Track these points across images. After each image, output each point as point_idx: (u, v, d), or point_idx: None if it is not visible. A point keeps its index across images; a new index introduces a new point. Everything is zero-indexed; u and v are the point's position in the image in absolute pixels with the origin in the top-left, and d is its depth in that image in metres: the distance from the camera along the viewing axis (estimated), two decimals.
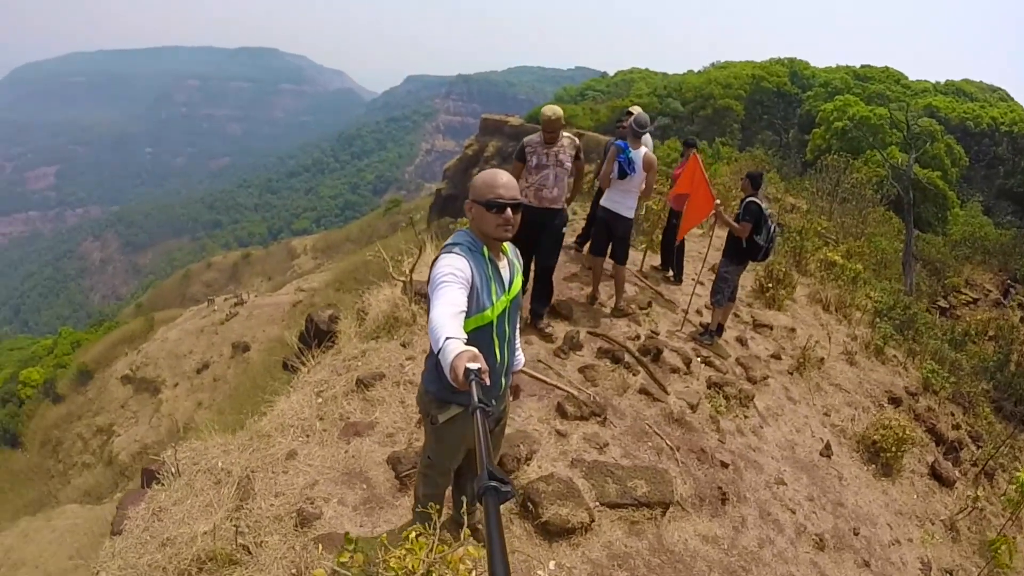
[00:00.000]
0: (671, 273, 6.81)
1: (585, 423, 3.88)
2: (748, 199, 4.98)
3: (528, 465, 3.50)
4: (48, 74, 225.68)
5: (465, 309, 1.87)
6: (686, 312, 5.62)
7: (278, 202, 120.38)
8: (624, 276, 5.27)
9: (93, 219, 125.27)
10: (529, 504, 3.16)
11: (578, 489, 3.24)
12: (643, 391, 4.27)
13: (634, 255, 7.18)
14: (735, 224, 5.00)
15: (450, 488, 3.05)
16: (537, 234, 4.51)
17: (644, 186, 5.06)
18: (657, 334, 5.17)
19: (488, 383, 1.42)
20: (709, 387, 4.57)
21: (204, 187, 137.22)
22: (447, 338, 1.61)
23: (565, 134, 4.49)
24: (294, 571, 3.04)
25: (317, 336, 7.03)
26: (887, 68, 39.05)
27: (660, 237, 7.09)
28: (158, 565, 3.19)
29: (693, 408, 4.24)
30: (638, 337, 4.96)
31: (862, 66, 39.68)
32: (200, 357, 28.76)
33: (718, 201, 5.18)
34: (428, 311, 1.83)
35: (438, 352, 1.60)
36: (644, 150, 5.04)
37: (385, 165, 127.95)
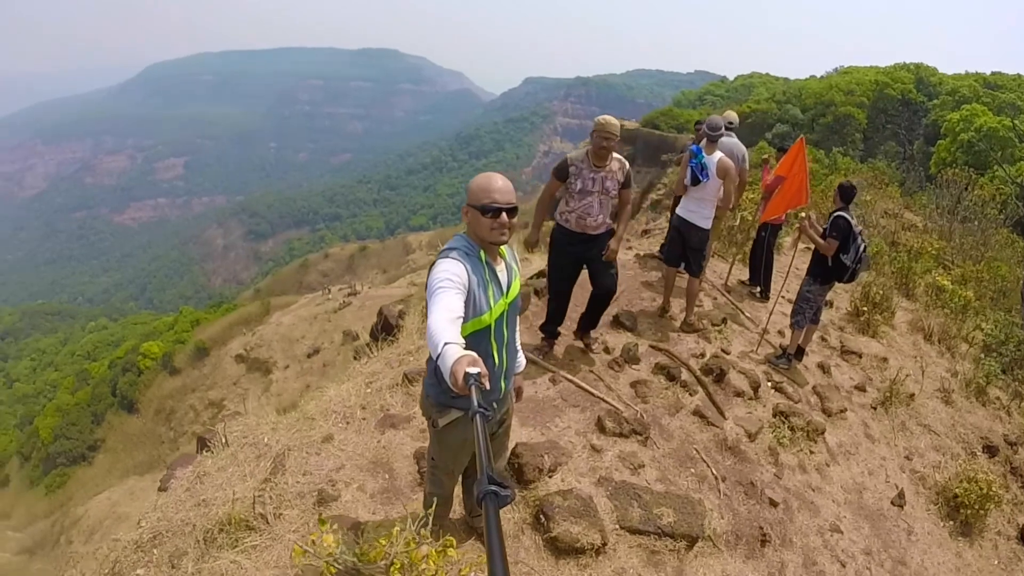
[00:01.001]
0: (758, 289, 6.41)
1: (624, 440, 3.76)
2: (836, 213, 4.57)
3: (551, 477, 3.46)
4: (178, 72, 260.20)
5: (462, 314, 1.95)
6: (764, 331, 5.25)
7: (396, 198, 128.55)
8: (696, 289, 5.04)
9: (218, 208, 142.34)
10: (541, 517, 3.13)
11: (596, 509, 3.16)
12: (698, 413, 4.04)
13: (720, 267, 6.83)
14: (820, 240, 4.61)
15: (462, 491, 3.16)
16: (583, 257, 4.30)
17: (722, 194, 4.81)
18: (727, 353, 4.87)
19: (488, 387, 1.48)
20: (775, 415, 4.22)
21: (325, 181, 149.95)
22: (446, 343, 1.66)
23: (615, 156, 4.11)
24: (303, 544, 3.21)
25: (385, 329, 7.46)
26: (1019, 76, 35.11)
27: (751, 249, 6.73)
28: (189, 522, 3.54)
29: (751, 437, 3.94)
30: (703, 355, 4.71)
31: (992, 73, 36.66)
32: (311, 342, 30.95)
33: (810, 214, 4.80)
34: (426, 316, 1.92)
35: (437, 358, 1.66)
36: (718, 155, 4.81)
37: (502, 166, 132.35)
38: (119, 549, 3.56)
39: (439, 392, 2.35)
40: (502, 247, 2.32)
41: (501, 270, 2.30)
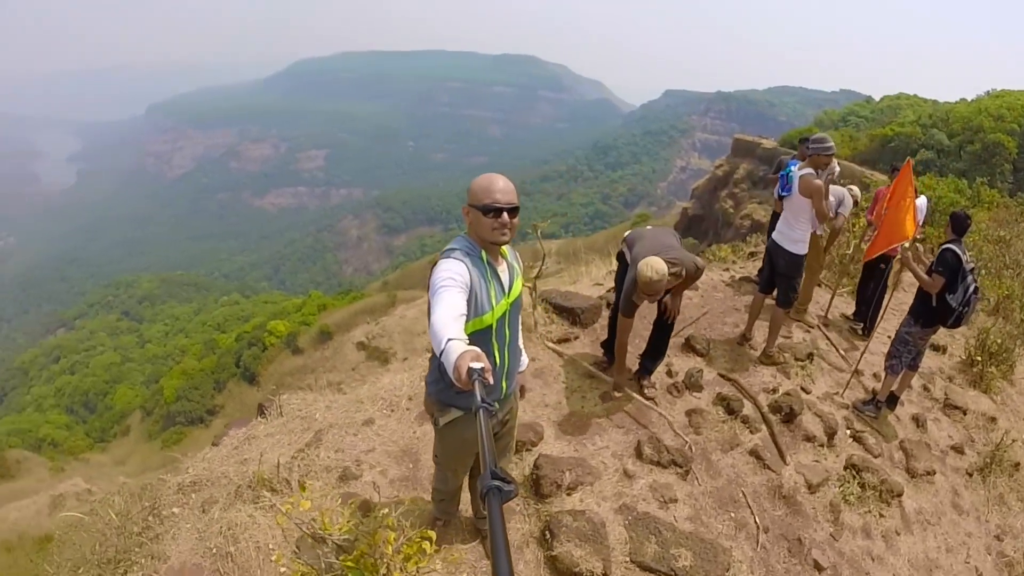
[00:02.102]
0: (862, 326, 5.81)
1: (661, 471, 3.59)
2: (945, 245, 4.00)
3: (569, 495, 3.41)
4: (323, 69, 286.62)
5: (465, 312, 2.02)
6: (855, 372, 4.73)
7: (529, 204, 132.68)
8: (780, 319, 4.67)
9: (355, 200, 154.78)
10: (547, 533, 3.09)
11: (606, 536, 3.06)
12: (754, 453, 3.74)
13: (825, 298, 6.28)
14: (924, 275, 4.05)
15: (469, 491, 3.24)
16: None
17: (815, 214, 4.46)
18: (807, 392, 4.45)
19: (491, 382, 1.54)
20: (846, 468, 3.77)
21: (461, 182, 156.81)
22: (449, 339, 1.74)
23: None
24: (315, 511, 3.42)
25: None
26: None
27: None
28: (226, 475, 3.92)
29: (812, 488, 3.56)
30: (775, 390, 4.34)
31: None
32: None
33: (919, 238, 4.27)
34: (428, 315, 2.01)
35: (440, 354, 1.74)
36: (807, 171, 4.44)
37: (638, 179, 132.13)
38: (164, 488, 4.01)
39: (440, 390, 2.45)
40: (504, 247, 2.39)
41: (503, 270, 2.37)
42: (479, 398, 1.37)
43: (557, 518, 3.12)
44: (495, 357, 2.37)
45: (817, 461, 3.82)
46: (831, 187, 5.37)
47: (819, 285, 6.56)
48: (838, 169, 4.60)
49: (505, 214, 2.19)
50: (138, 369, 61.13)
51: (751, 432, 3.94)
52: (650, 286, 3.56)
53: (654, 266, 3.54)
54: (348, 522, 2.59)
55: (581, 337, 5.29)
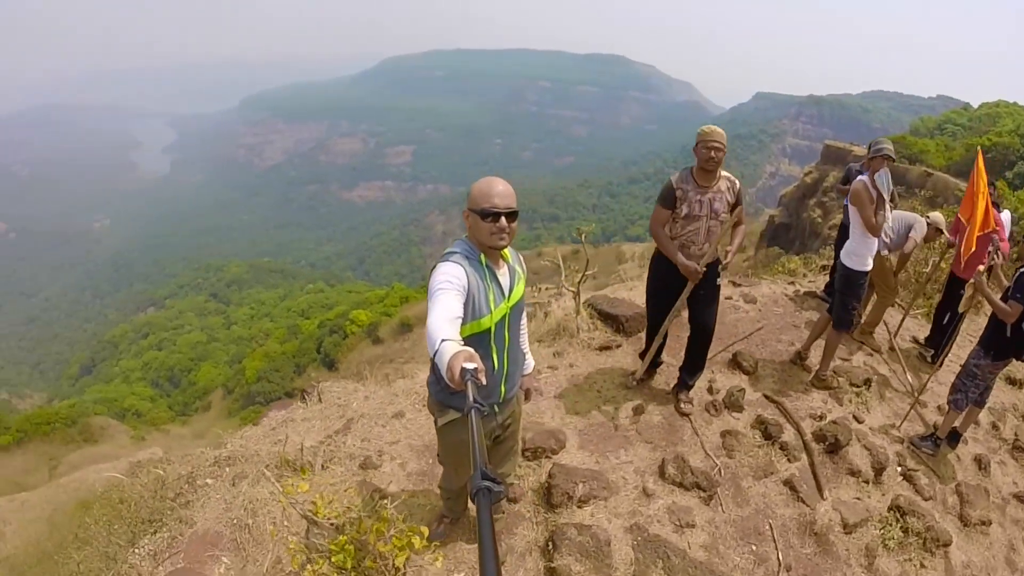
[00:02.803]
0: (932, 353, 5.34)
1: (683, 492, 3.50)
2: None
3: (580, 507, 3.41)
4: (412, 66, 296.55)
5: (461, 315, 2.09)
6: (915, 401, 4.37)
7: (616, 206, 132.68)
8: (835, 341, 4.40)
9: (441, 196, 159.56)
10: (550, 544, 3.10)
11: (610, 555, 3.04)
12: (789, 484, 3.56)
13: (897, 319, 5.87)
14: (999, 302, 3.67)
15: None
16: (682, 291, 4.01)
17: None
18: (859, 421, 4.15)
19: (484, 382, 1.59)
20: (890, 509, 3.48)
21: (547, 182, 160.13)
22: (443, 340, 1.79)
23: (724, 173, 3.84)
24: (331, 495, 3.60)
25: None
26: None
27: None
28: (258, 453, 4.21)
29: (848, 528, 3.33)
30: (823, 417, 4.10)
31: None
32: None
33: (994, 266, 3.91)
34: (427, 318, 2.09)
35: (434, 355, 1.80)
36: (861, 178, 4.18)
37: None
38: (202, 459, 4.33)
39: (438, 391, 2.53)
40: (505, 251, 2.45)
41: (503, 274, 2.43)
42: (471, 398, 1.42)
43: (562, 530, 3.12)
44: (493, 361, 2.42)
45: (858, 499, 3.57)
46: (906, 214, 5.06)
47: (893, 306, 6.14)
48: (886, 176, 4.25)
49: (503, 218, 2.25)
50: (223, 349, 65.33)
51: (789, 461, 3.75)
52: (710, 136, 3.69)
53: (714, 127, 3.75)
54: (343, 507, 2.71)
55: (624, 346, 5.23)
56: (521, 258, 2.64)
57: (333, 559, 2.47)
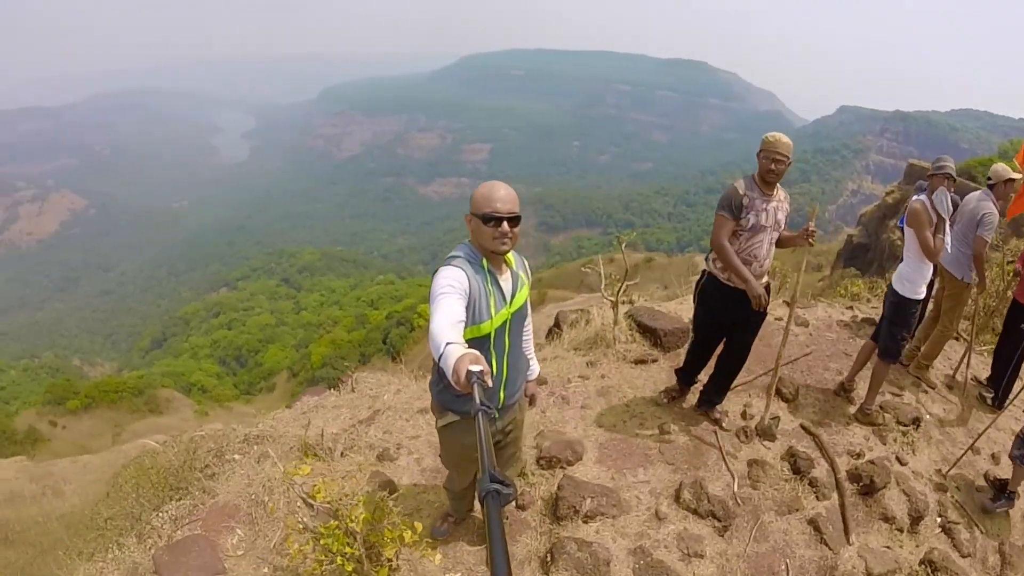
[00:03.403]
0: (993, 395, 4.91)
1: (696, 520, 3.43)
2: None
3: (586, 523, 3.40)
4: (491, 64, 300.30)
5: (464, 319, 2.15)
6: (970, 448, 4.07)
7: (692, 215, 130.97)
8: (882, 373, 4.16)
9: (517, 195, 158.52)
10: (548, 556, 3.12)
11: (607, 574, 3.01)
12: (814, 523, 3.41)
13: (958, 353, 5.50)
14: None
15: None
16: (738, 313, 3.78)
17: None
18: (902, 463, 3.90)
19: (490, 385, 1.60)
20: (922, 563, 3.24)
21: (623, 187, 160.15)
22: (448, 343, 1.83)
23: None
24: (341, 481, 3.76)
25: (554, 330, 7.83)
26: None
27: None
28: (285, 435, 4.44)
29: None
30: (861, 455, 3.90)
31: None
32: None
33: None
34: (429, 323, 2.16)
35: (439, 358, 1.83)
36: (919, 197, 3.94)
37: (805, 199, 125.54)
38: (233, 436, 4.59)
39: (439, 392, 2.60)
40: (509, 256, 2.50)
41: (505, 279, 2.47)
42: (478, 401, 1.42)
43: (563, 543, 3.13)
44: (492, 366, 2.45)
45: (888, 547, 3.37)
46: (977, 197, 4.61)
47: (956, 339, 5.73)
48: (945, 197, 3.97)
49: (505, 223, 2.29)
50: (290, 333, 68.46)
51: (818, 498, 3.59)
52: (776, 145, 3.47)
53: (781, 135, 3.52)
54: (343, 494, 2.82)
55: (660, 361, 5.16)
56: (526, 264, 2.68)
57: (322, 542, 2.58)
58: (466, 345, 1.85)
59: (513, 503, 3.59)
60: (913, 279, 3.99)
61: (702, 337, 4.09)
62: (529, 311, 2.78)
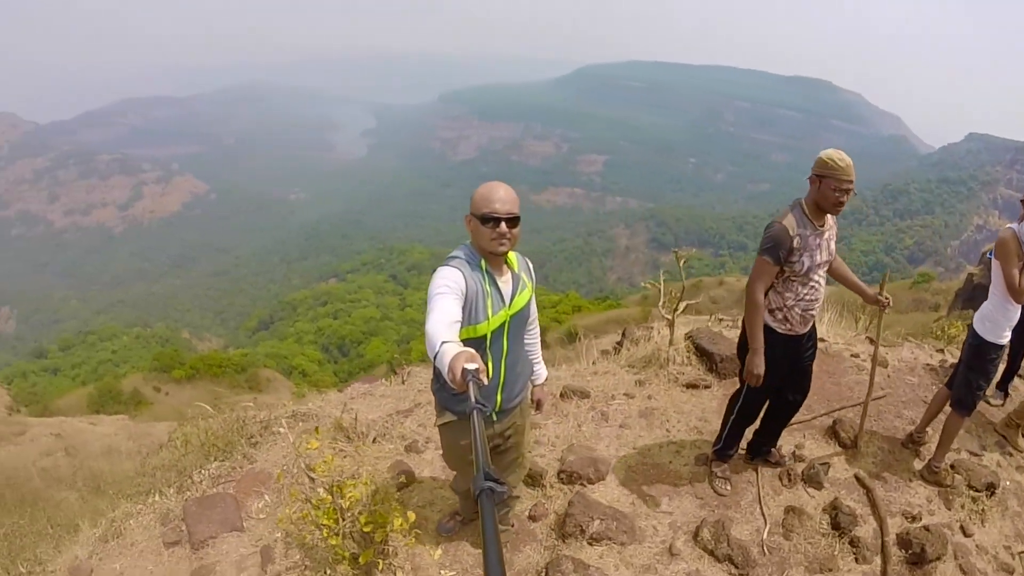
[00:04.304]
0: None
1: (711, 562, 3.27)
2: None
3: (591, 545, 3.35)
4: (609, 75, 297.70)
5: (460, 319, 2.20)
6: None
7: None
8: (955, 427, 3.72)
9: (629, 209, 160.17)
10: (544, 572, 3.13)
11: None
12: None
13: None
14: None
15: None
16: (796, 363, 3.47)
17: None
18: (966, 534, 3.49)
19: (486, 383, 1.65)
20: None
21: (738, 207, 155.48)
22: (443, 342, 1.87)
23: None
24: (370, 465, 3.97)
25: (619, 345, 7.77)
26: None
27: None
28: (328, 414, 4.71)
29: None
30: (918, 518, 3.54)
31: None
32: None
33: None
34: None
35: (434, 357, 1.88)
36: (1010, 226, 3.49)
37: (927, 232, 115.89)
38: (282, 411, 4.95)
39: (438, 388, 2.67)
40: (512, 258, 2.54)
41: (504, 281, 2.50)
42: (473, 399, 1.45)
43: (559, 561, 3.09)
44: (489, 368, 2.49)
45: None
46: None
47: None
48: None
49: (504, 224, 2.32)
50: (394, 328, 71.35)
51: (856, 561, 3.27)
52: (846, 173, 3.00)
53: (844, 154, 3.06)
54: (349, 475, 2.97)
55: (713, 387, 4.98)
56: (530, 266, 2.70)
57: (313, 513, 2.74)
58: (462, 344, 1.88)
59: (527, 513, 3.61)
60: (996, 320, 3.57)
61: (756, 398, 3.60)
62: (533, 314, 2.80)
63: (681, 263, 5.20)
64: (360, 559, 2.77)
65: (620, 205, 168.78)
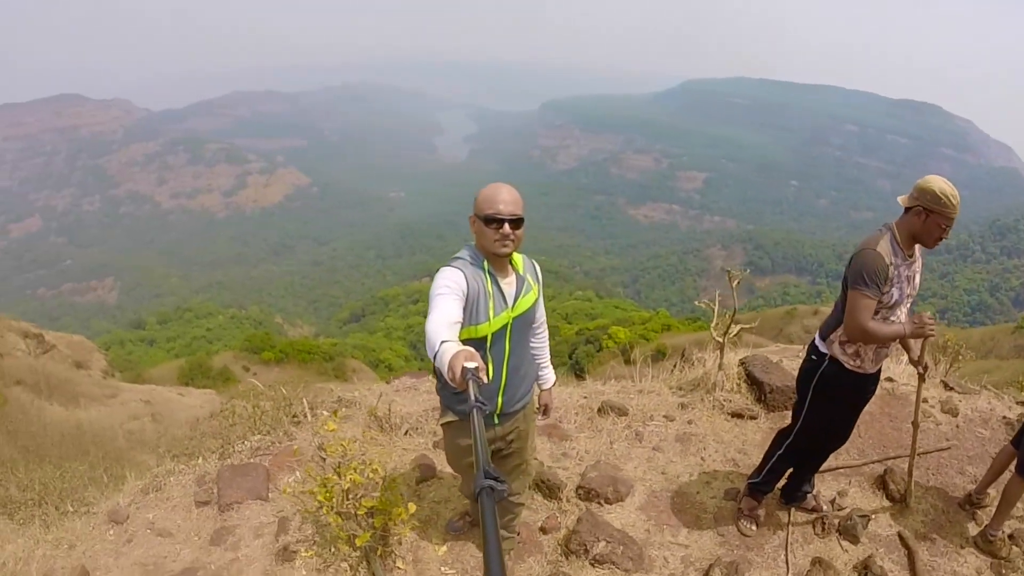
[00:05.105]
0: None
1: None
2: None
3: (594, 567, 3.29)
4: (713, 91, 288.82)
5: (460, 320, 2.23)
6: None
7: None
8: (1017, 493, 3.32)
9: (726, 230, 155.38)
10: None
11: None
12: None
13: None
14: None
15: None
16: (862, 402, 3.29)
17: None
18: None
19: (486, 381, 1.67)
20: None
21: (839, 235, 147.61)
22: (443, 341, 1.89)
23: None
24: (394, 460, 4.17)
25: (676, 365, 7.61)
26: None
27: None
28: (364, 404, 4.86)
29: None
30: None
31: None
32: None
33: None
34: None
35: (434, 357, 1.89)
36: None
37: None
38: (329, 396, 5.19)
39: (441, 387, 2.70)
40: (518, 260, 2.54)
41: (508, 283, 2.50)
42: (473, 397, 1.46)
43: None
44: (490, 370, 2.49)
45: None
46: None
47: None
48: None
49: (507, 225, 2.33)
50: None
51: None
52: (954, 207, 2.80)
53: (947, 182, 2.87)
54: (340, 454, 3.09)
55: (759, 419, 4.74)
56: (537, 268, 2.69)
57: (315, 489, 2.87)
58: (461, 344, 1.90)
59: (539, 524, 3.59)
60: None
61: (811, 439, 3.36)
62: (540, 318, 2.79)
63: (734, 284, 5.00)
64: (356, 541, 2.87)
65: (718, 225, 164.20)
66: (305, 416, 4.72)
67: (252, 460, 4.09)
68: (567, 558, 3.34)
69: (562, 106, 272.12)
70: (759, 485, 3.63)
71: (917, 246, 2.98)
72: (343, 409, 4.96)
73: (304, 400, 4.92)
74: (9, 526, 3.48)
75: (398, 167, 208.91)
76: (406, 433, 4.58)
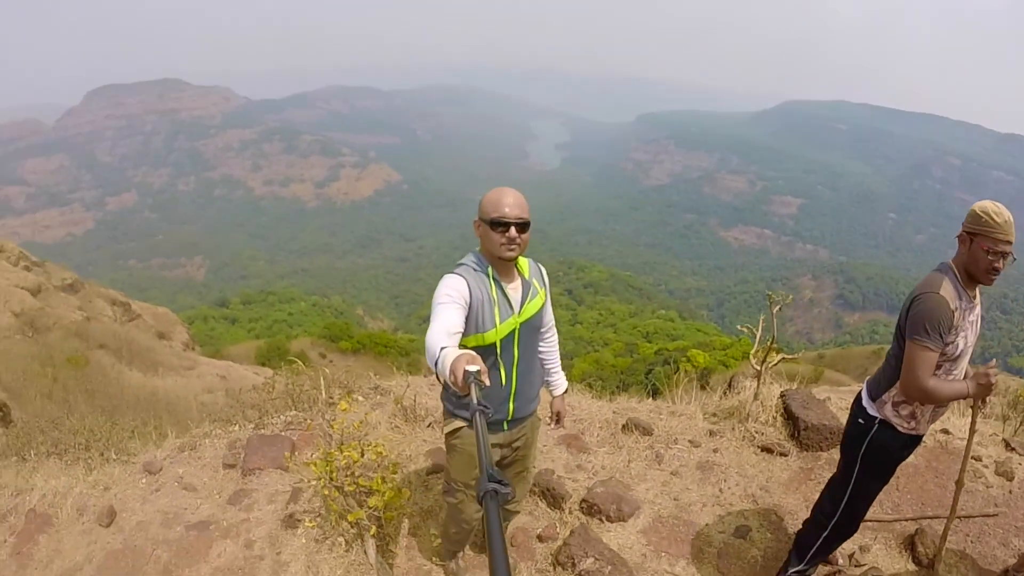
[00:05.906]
0: None
1: None
2: None
3: None
4: (813, 114, 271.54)
5: (461, 329, 2.22)
6: None
7: (1005, 324, 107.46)
8: None
9: (818, 260, 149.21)
10: None
11: None
12: None
13: None
14: None
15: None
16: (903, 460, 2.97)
17: None
18: None
19: (488, 383, 1.64)
20: None
21: None
22: (443, 347, 1.88)
23: None
24: (411, 449, 4.33)
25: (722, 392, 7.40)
26: None
27: None
28: (397, 395, 5.00)
29: None
30: None
31: None
32: None
33: None
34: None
35: (435, 364, 1.86)
36: None
37: None
38: (363, 383, 5.40)
39: (447, 396, 2.67)
40: (524, 265, 2.53)
41: (513, 288, 2.48)
42: (475, 400, 1.46)
43: None
44: (500, 376, 2.48)
45: None
46: None
47: None
48: None
49: (513, 229, 2.30)
50: (560, 343, 72.78)
51: None
52: (1006, 230, 2.52)
53: (1000, 207, 2.58)
54: (371, 445, 3.22)
55: (789, 456, 4.52)
56: (543, 272, 2.67)
57: (316, 463, 3.02)
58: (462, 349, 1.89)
59: (537, 532, 3.59)
60: None
61: (863, 504, 3.04)
62: (548, 322, 2.78)
63: (775, 310, 4.79)
64: (349, 516, 2.99)
65: (810, 254, 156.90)
66: (343, 399, 4.94)
67: (283, 433, 4.33)
68: (555, 568, 3.34)
69: (657, 120, 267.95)
70: (810, 559, 3.21)
71: (978, 287, 2.66)
72: (377, 396, 5.16)
73: (334, 384, 5.14)
74: (57, 465, 3.89)
75: (489, 170, 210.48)
76: (429, 425, 4.70)
